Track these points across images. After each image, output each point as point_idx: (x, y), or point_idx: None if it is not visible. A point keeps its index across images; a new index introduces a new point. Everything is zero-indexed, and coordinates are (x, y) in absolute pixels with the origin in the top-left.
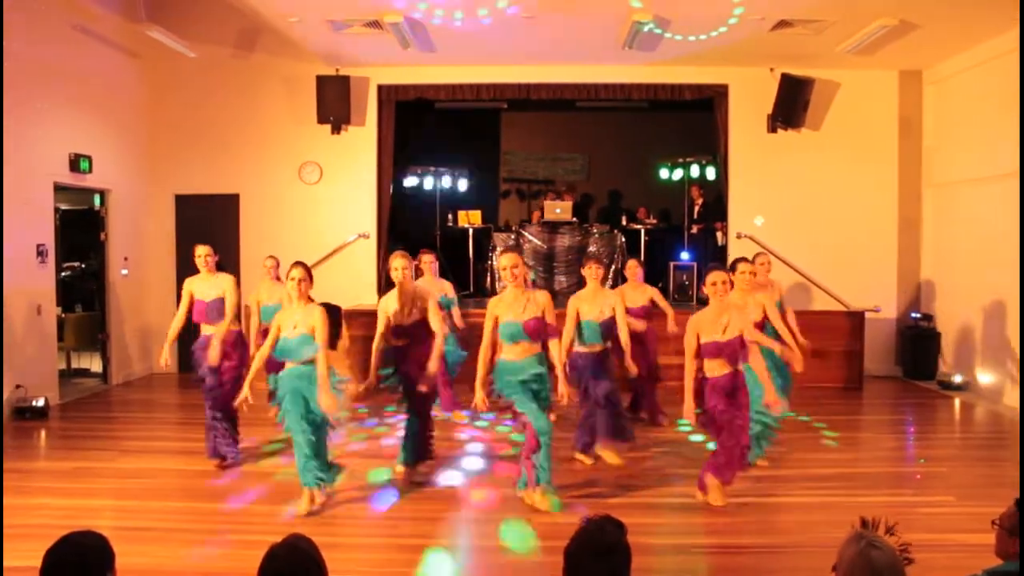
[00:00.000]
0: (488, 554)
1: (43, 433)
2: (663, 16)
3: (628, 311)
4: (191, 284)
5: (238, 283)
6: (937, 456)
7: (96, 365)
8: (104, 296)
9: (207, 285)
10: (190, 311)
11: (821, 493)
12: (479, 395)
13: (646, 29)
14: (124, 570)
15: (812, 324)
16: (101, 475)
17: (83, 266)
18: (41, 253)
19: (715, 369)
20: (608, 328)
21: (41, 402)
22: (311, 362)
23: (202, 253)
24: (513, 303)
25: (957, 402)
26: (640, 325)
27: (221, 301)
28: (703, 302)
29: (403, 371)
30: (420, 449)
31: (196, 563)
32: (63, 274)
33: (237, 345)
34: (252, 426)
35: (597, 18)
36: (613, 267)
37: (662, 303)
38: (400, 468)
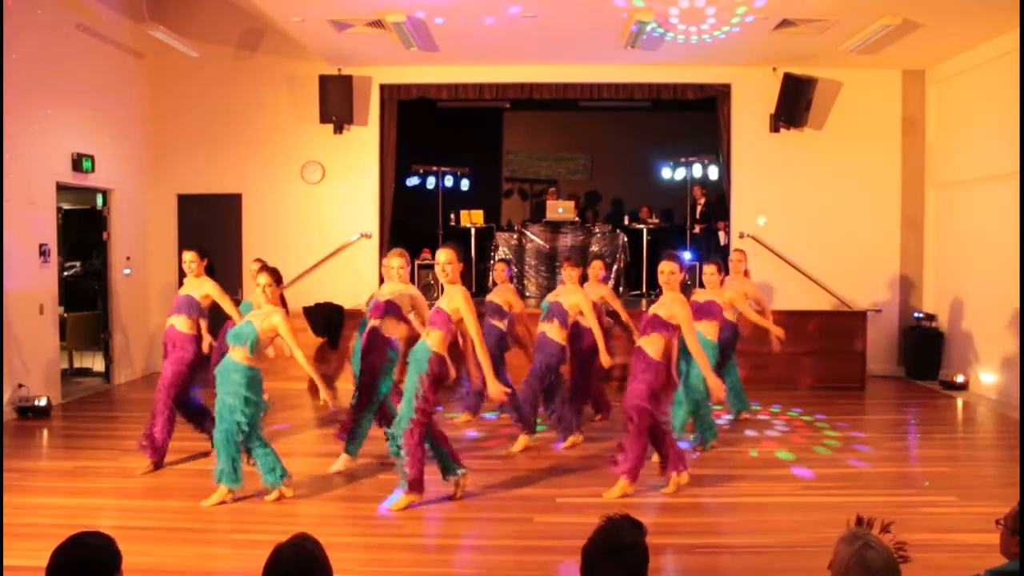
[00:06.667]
0: (489, 554)
1: (45, 432)
2: (664, 14)
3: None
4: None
5: (239, 283)
6: (939, 456)
7: (98, 365)
8: (107, 296)
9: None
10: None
11: (822, 493)
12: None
13: (648, 29)
14: (126, 569)
15: (814, 323)
16: (103, 474)
17: (86, 265)
18: (43, 252)
19: None
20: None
21: (43, 401)
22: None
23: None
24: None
25: (960, 402)
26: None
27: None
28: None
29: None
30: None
31: (197, 562)
32: (65, 273)
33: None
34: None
35: (599, 18)
36: (616, 266)
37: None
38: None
